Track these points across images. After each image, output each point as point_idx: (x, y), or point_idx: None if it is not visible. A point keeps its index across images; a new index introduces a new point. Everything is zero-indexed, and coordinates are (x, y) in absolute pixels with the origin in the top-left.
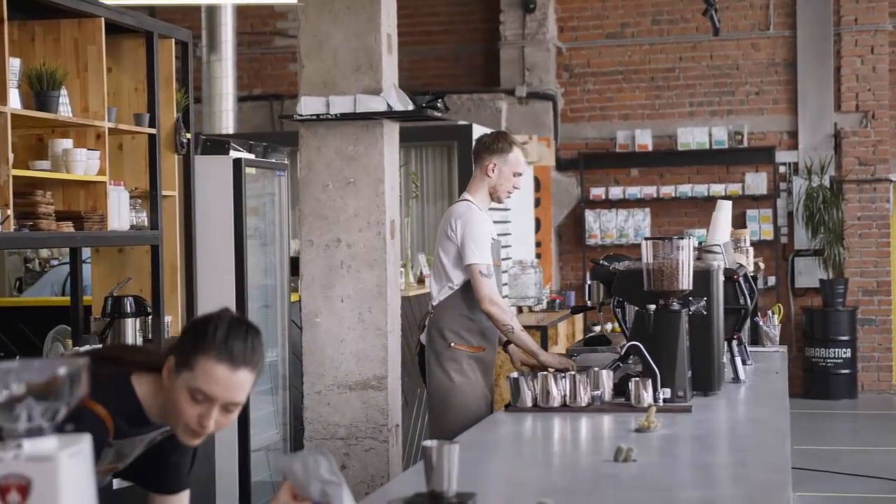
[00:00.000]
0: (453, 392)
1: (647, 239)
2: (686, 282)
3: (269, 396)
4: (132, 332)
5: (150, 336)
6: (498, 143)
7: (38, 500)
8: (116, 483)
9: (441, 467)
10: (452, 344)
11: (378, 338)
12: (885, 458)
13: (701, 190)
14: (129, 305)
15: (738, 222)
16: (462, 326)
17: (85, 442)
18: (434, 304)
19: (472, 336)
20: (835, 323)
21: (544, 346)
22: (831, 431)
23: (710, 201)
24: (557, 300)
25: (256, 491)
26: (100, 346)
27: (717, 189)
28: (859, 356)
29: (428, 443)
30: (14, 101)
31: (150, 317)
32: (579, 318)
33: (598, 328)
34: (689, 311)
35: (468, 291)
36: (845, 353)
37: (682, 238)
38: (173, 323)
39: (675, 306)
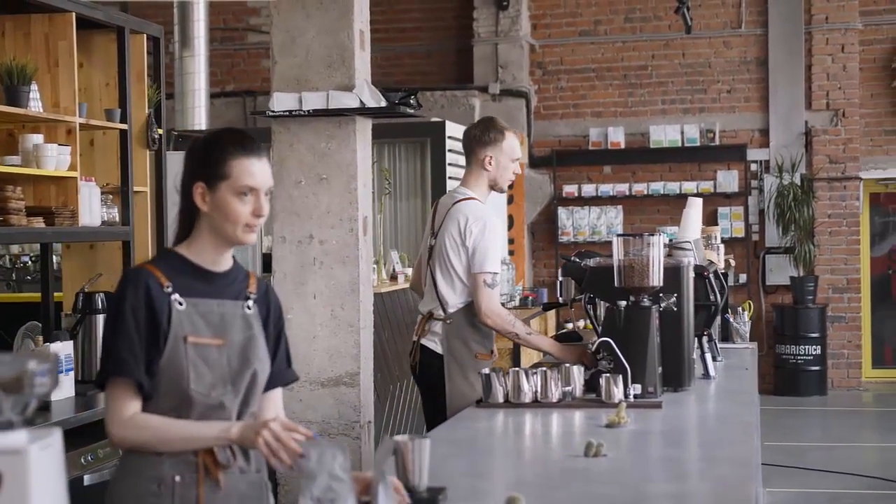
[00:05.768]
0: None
1: (618, 235)
2: (657, 278)
3: None
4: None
5: None
6: (489, 133)
7: (9, 494)
8: (87, 479)
9: (413, 462)
10: (478, 355)
11: (350, 334)
12: (855, 454)
13: (673, 187)
14: (100, 301)
15: (710, 220)
16: (484, 334)
17: (55, 436)
18: (450, 310)
19: (492, 343)
20: (805, 320)
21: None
22: (801, 428)
23: (682, 199)
24: (531, 297)
25: None
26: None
27: (689, 186)
28: (829, 353)
29: (399, 438)
30: None
31: None
32: (552, 314)
33: (570, 325)
34: (660, 307)
35: None
36: (815, 349)
37: (653, 235)
38: None
39: (646, 303)
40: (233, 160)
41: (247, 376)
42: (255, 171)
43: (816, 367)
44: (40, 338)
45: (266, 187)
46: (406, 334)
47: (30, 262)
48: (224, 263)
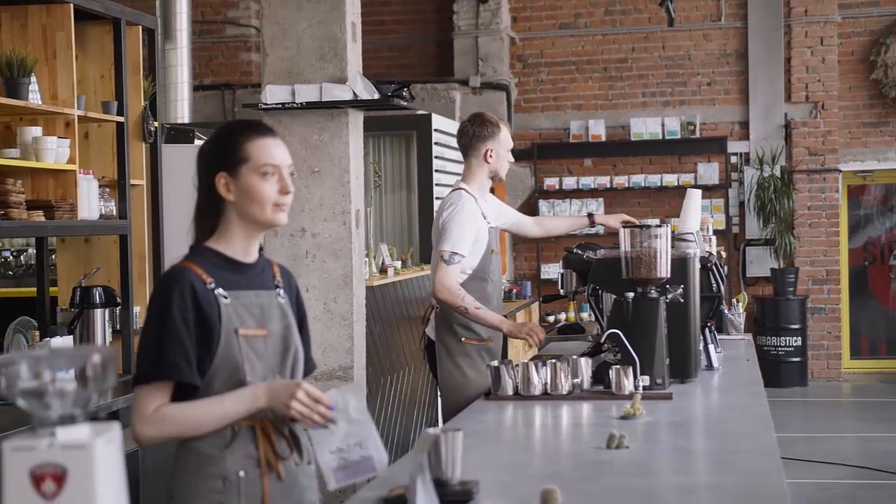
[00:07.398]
0: (467, 387)
1: (625, 227)
2: (664, 269)
3: None
4: (101, 322)
5: (118, 327)
6: (486, 128)
7: (74, 488)
8: None
9: (446, 454)
10: (463, 339)
11: (344, 328)
12: (836, 445)
13: (654, 180)
14: (98, 296)
15: None
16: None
17: (115, 430)
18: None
19: (481, 328)
20: (785, 311)
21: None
22: (783, 419)
23: (662, 191)
24: (514, 290)
25: None
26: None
27: (670, 179)
28: (809, 344)
29: (432, 430)
30: None
31: (118, 307)
32: (535, 307)
33: (551, 318)
34: (667, 298)
35: (472, 283)
36: (796, 341)
37: (661, 226)
38: (142, 314)
39: (654, 294)
40: (248, 142)
41: (289, 364)
42: (273, 150)
43: (797, 359)
44: (35, 332)
45: (287, 165)
46: (397, 328)
47: (11, 258)
48: (253, 254)
